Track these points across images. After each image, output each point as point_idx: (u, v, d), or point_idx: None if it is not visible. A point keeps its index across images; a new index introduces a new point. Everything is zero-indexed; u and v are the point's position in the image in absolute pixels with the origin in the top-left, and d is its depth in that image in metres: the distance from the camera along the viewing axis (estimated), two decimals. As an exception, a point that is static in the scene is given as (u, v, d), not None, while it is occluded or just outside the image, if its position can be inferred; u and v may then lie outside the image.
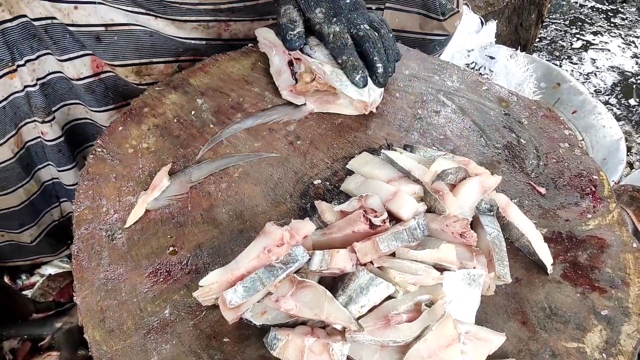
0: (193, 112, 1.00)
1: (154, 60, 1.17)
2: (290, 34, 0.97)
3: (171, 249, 0.81)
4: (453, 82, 1.10)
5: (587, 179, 0.96)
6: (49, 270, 1.44)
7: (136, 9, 1.12)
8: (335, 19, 0.94)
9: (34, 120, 1.17)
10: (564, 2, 3.11)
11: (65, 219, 1.39)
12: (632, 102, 2.52)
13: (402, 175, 0.85)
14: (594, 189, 0.94)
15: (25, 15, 1.07)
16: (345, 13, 0.95)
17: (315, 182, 0.90)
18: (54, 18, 1.08)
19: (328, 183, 0.90)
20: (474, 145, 0.99)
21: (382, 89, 1.02)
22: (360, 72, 0.95)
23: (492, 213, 0.84)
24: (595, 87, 2.59)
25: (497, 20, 2.05)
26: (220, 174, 0.91)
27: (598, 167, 0.98)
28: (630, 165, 2.17)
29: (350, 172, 0.91)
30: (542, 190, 0.93)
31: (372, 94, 0.99)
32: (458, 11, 1.32)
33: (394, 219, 0.78)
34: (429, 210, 0.81)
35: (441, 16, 1.29)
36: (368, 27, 0.97)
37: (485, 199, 0.84)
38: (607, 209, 0.91)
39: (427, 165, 0.85)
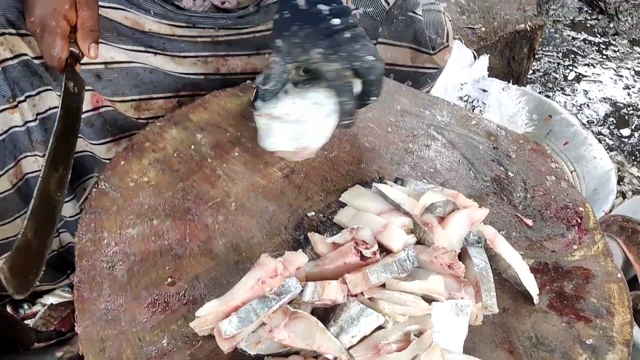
0: (192, 147, 1.04)
1: (154, 95, 1.21)
2: (262, 91, 0.96)
3: (169, 280, 0.83)
4: (443, 117, 1.14)
5: (573, 211, 0.99)
6: (50, 299, 1.46)
7: (136, 47, 1.16)
8: (333, 56, 0.93)
9: (35, 155, 1.20)
10: (557, 35, 3.18)
11: (64, 249, 1.41)
12: (624, 132, 2.57)
13: (392, 208, 0.88)
14: (579, 221, 0.97)
15: (26, 54, 1.11)
16: (344, 48, 0.93)
17: (310, 214, 0.93)
18: None
19: (322, 215, 0.93)
20: (463, 178, 1.03)
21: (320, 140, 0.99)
22: (351, 119, 0.96)
23: (480, 245, 0.87)
24: (588, 118, 2.63)
25: (489, 54, 2.10)
26: (217, 206, 0.94)
27: (584, 199, 1.02)
28: (623, 195, 2.20)
29: (343, 205, 0.94)
30: (529, 222, 0.96)
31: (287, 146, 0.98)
32: (448, 45, 1.36)
33: (385, 250, 0.81)
34: (418, 242, 0.84)
35: (431, 50, 1.33)
36: (372, 59, 0.94)
37: (474, 230, 0.87)
38: (593, 240, 0.94)
39: (417, 198, 0.88)
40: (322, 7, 0.95)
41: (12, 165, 1.17)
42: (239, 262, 0.86)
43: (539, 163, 1.07)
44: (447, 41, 1.36)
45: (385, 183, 0.95)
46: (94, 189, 0.95)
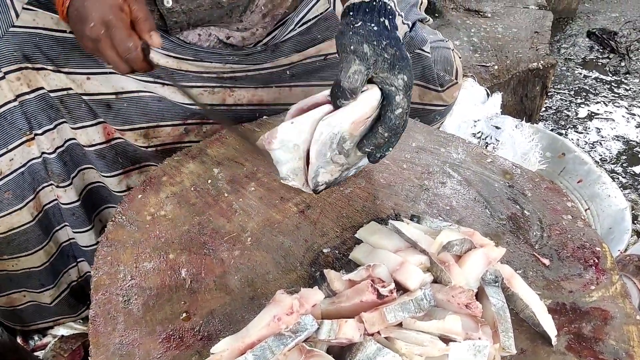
0: (209, 181, 1.04)
1: (161, 123, 1.22)
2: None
3: (184, 315, 0.83)
4: (458, 154, 1.15)
5: (590, 251, 0.98)
6: (61, 331, 1.46)
7: (145, 77, 1.18)
8: (409, 92, 0.90)
9: (50, 184, 1.22)
10: (569, 74, 3.20)
11: (83, 279, 1.41)
12: (637, 170, 2.56)
13: (409, 246, 0.88)
14: (597, 261, 0.96)
15: (42, 88, 1.13)
16: (411, 90, 0.92)
17: (325, 250, 0.93)
18: (70, 89, 1.15)
19: (337, 251, 0.93)
20: (479, 216, 1.02)
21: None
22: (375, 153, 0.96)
23: (497, 284, 0.86)
24: (601, 155, 2.63)
25: (502, 92, 2.11)
26: (233, 241, 0.94)
27: (600, 239, 1.01)
28: (638, 233, 2.18)
29: (358, 241, 0.94)
30: (546, 261, 0.96)
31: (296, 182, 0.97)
32: (457, 82, 1.37)
33: (401, 288, 0.81)
34: (435, 281, 0.84)
35: (440, 87, 1.34)
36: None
37: (490, 270, 0.86)
38: (610, 280, 0.93)
39: (434, 236, 0.88)
40: (399, 35, 0.94)
41: (32, 198, 1.19)
42: (254, 297, 0.85)
43: (554, 202, 1.07)
44: (456, 78, 1.37)
45: (402, 220, 0.95)
46: (111, 222, 0.95)
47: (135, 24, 1.01)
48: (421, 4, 1.41)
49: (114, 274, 0.88)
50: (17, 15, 1.09)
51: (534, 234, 1.01)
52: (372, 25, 0.91)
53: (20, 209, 1.18)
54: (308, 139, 0.91)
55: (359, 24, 0.91)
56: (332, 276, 0.83)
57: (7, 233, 1.19)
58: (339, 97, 0.89)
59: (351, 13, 0.93)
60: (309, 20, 1.30)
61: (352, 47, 0.89)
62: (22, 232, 1.20)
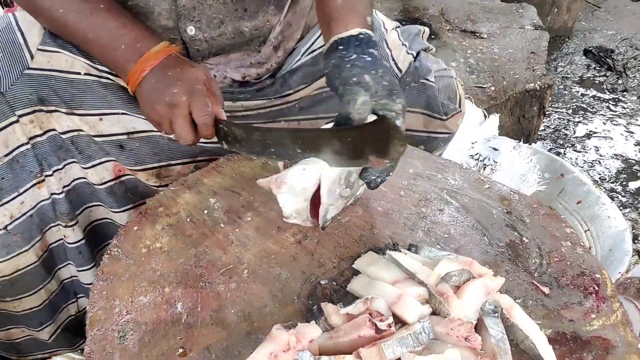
0: (206, 212, 1.04)
1: (172, 162, 1.22)
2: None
3: (180, 350, 0.82)
4: (456, 181, 1.14)
5: (590, 278, 0.97)
6: None
7: None
8: (405, 117, 0.93)
9: (58, 224, 1.21)
10: (566, 92, 3.21)
11: (81, 313, 1.40)
12: (637, 188, 2.55)
13: (407, 277, 0.87)
14: (597, 288, 0.95)
15: (54, 129, 1.13)
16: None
17: (323, 282, 0.92)
18: (81, 130, 1.15)
19: (335, 283, 0.92)
20: (477, 244, 1.02)
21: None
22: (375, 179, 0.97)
23: (496, 314, 0.85)
24: (600, 174, 2.63)
25: (500, 113, 2.12)
26: (229, 273, 0.93)
27: (600, 265, 1.00)
28: (639, 253, 2.17)
29: (356, 272, 0.93)
30: (546, 289, 0.95)
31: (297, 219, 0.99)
32: (460, 111, 1.38)
33: (400, 321, 0.80)
34: (434, 313, 0.83)
35: (444, 116, 1.35)
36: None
37: (490, 300, 0.85)
38: (611, 308, 0.92)
39: (432, 267, 0.87)
40: (386, 63, 0.97)
41: (39, 239, 1.19)
42: (251, 332, 0.84)
43: (553, 228, 1.06)
44: (460, 106, 1.38)
45: (399, 250, 0.94)
46: (107, 256, 0.95)
47: (210, 97, 1.04)
48: (424, 33, 1.42)
49: (110, 308, 0.87)
50: (32, 57, 1.09)
51: (533, 261, 1.00)
52: (366, 56, 0.94)
53: (27, 250, 1.17)
54: (316, 181, 0.93)
55: (354, 56, 0.94)
56: (329, 310, 0.82)
57: (12, 275, 1.18)
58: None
59: (341, 47, 0.96)
60: (316, 49, 1.31)
61: (354, 79, 0.91)
62: (26, 272, 1.19)
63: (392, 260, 0.90)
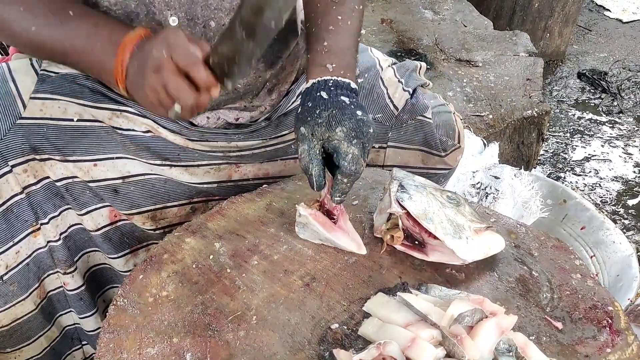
0: (211, 257, 1.03)
1: (168, 204, 1.21)
2: (312, 181, 1.02)
3: (191, 403, 0.81)
4: (462, 215, 1.13)
5: (603, 311, 0.96)
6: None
7: (152, 160, 1.18)
8: (355, 140, 0.98)
9: (57, 272, 1.20)
10: (562, 115, 3.22)
11: None
12: (634, 204, 2.55)
13: (419, 319, 0.86)
14: (610, 321, 0.94)
15: (48, 177, 1.12)
16: (364, 140, 0.99)
17: (333, 326, 0.91)
18: (75, 177, 1.14)
19: (345, 327, 0.91)
20: (487, 280, 1.01)
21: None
22: (344, 197, 1.03)
23: (511, 354, 0.83)
24: (601, 197, 2.62)
25: (499, 141, 2.12)
26: (238, 321, 0.92)
27: (612, 297, 0.99)
28: (646, 277, 2.15)
29: (367, 314, 0.92)
30: (559, 325, 0.93)
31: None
32: (459, 146, 1.37)
33: (414, 365, 0.79)
34: (447, 355, 0.81)
35: (442, 152, 1.34)
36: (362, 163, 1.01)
37: (503, 339, 0.84)
38: (626, 341, 0.91)
39: (443, 307, 0.86)
40: (344, 98, 1.01)
41: (36, 287, 1.17)
42: (262, 382, 0.83)
43: (562, 260, 1.05)
44: (459, 142, 1.37)
45: (409, 290, 0.93)
46: (112, 306, 0.93)
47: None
48: (420, 68, 1.42)
49: (117, 362, 0.85)
50: (25, 107, 1.09)
51: (544, 295, 0.99)
52: (308, 103, 1.01)
53: (24, 299, 1.16)
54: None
55: (299, 109, 1.02)
56: (342, 357, 0.81)
57: (10, 325, 1.16)
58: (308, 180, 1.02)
59: (300, 98, 1.04)
60: None
61: (295, 135, 1.02)
62: (24, 321, 1.18)
63: (403, 301, 0.89)
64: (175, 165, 1.19)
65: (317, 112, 0.98)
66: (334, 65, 1.04)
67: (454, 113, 1.40)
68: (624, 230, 2.41)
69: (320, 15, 1.10)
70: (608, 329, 0.93)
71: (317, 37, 1.08)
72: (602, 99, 3.40)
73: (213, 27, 1.11)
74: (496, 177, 1.95)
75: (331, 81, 1.03)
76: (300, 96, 1.04)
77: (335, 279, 1.00)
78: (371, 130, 0.99)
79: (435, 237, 1.00)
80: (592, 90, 3.49)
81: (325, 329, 0.90)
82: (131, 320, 0.91)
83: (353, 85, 1.04)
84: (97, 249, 1.24)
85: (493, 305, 0.89)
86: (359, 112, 0.99)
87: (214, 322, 0.91)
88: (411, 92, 1.33)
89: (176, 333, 0.89)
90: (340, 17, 1.09)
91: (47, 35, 1.01)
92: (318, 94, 1.01)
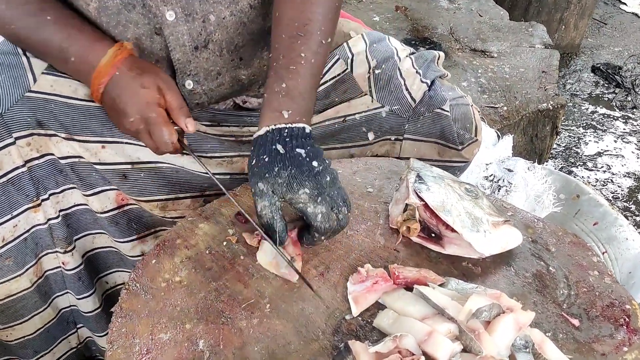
0: (225, 243, 1.02)
1: (180, 195, 1.20)
2: (275, 238, 0.95)
3: (204, 390, 0.80)
4: (478, 208, 1.12)
5: (620, 309, 0.95)
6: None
7: None
8: (320, 198, 0.93)
9: (56, 251, 1.19)
10: (575, 109, 3.19)
11: (83, 344, 1.37)
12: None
13: (436, 313, 0.85)
14: (627, 320, 0.93)
15: (52, 154, 1.11)
16: (327, 191, 0.94)
17: (347, 317, 0.90)
18: (81, 157, 1.13)
19: (360, 318, 0.90)
20: (504, 274, 0.99)
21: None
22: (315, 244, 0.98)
23: (527, 350, 0.82)
24: (613, 193, 2.60)
25: (513, 134, 2.10)
26: (251, 308, 0.91)
27: (630, 296, 0.97)
28: (657, 274, 2.13)
29: (382, 306, 0.91)
30: (576, 322, 0.92)
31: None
32: (476, 140, 1.35)
33: (430, 359, 0.78)
34: (464, 350, 0.80)
35: (459, 145, 1.32)
36: (346, 211, 0.96)
37: (520, 335, 0.83)
38: (644, 341, 0.90)
39: (461, 301, 0.85)
40: (300, 150, 0.94)
41: (33, 264, 1.16)
42: (276, 371, 0.82)
43: (579, 257, 1.04)
44: (476, 135, 1.35)
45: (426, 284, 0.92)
46: (125, 290, 0.92)
47: (170, 112, 1.05)
48: (439, 58, 1.40)
49: (130, 347, 0.84)
50: (35, 80, 1.08)
51: (561, 292, 0.97)
52: (264, 157, 0.94)
53: (19, 275, 1.15)
54: None
55: (254, 161, 0.95)
56: (357, 348, 0.79)
57: (3, 300, 1.15)
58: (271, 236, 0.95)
59: (252, 149, 0.98)
60: (326, 82, 1.29)
61: (252, 189, 0.94)
62: (18, 298, 1.17)
63: (420, 294, 0.87)
64: (185, 154, 1.17)
65: (276, 170, 0.92)
66: (289, 112, 0.98)
67: (471, 105, 1.37)
68: (636, 227, 2.38)
69: (283, 50, 1.02)
70: (625, 327, 0.92)
71: (276, 75, 1.01)
72: (616, 93, 3.36)
73: (213, 22, 1.09)
74: (509, 170, 1.92)
75: (286, 130, 0.96)
76: (253, 144, 0.98)
77: (350, 269, 0.98)
78: (328, 179, 0.95)
79: (452, 230, 0.99)
80: (606, 85, 3.45)
81: (339, 320, 0.89)
82: (144, 305, 0.90)
83: (307, 129, 0.98)
84: (103, 231, 1.22)
85: (510, 301, 0.88)
86: (314, 164, 0.94)
87: (227, 309, 0.90)
88: (429, 84, 1.31)
89: (189, 319, 0.88)
90: (303, 55, 1.01)
91: (25, 35, 1.03)
92: (274, 147, 0.94)
